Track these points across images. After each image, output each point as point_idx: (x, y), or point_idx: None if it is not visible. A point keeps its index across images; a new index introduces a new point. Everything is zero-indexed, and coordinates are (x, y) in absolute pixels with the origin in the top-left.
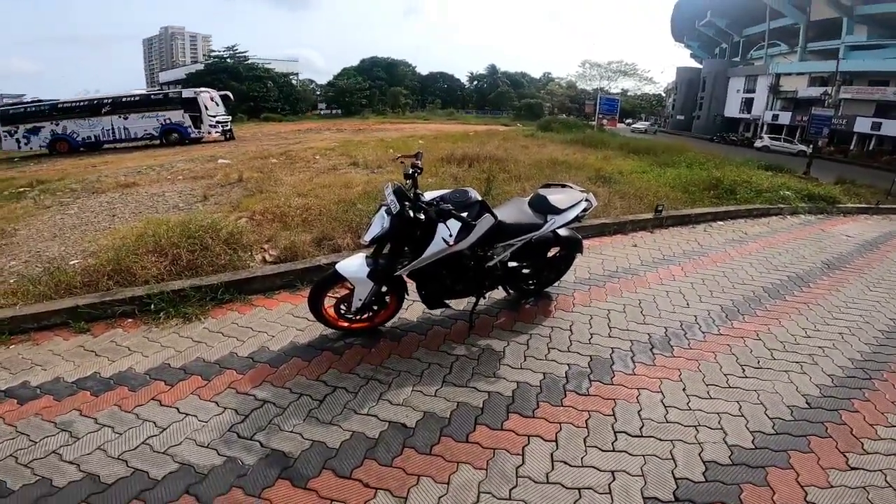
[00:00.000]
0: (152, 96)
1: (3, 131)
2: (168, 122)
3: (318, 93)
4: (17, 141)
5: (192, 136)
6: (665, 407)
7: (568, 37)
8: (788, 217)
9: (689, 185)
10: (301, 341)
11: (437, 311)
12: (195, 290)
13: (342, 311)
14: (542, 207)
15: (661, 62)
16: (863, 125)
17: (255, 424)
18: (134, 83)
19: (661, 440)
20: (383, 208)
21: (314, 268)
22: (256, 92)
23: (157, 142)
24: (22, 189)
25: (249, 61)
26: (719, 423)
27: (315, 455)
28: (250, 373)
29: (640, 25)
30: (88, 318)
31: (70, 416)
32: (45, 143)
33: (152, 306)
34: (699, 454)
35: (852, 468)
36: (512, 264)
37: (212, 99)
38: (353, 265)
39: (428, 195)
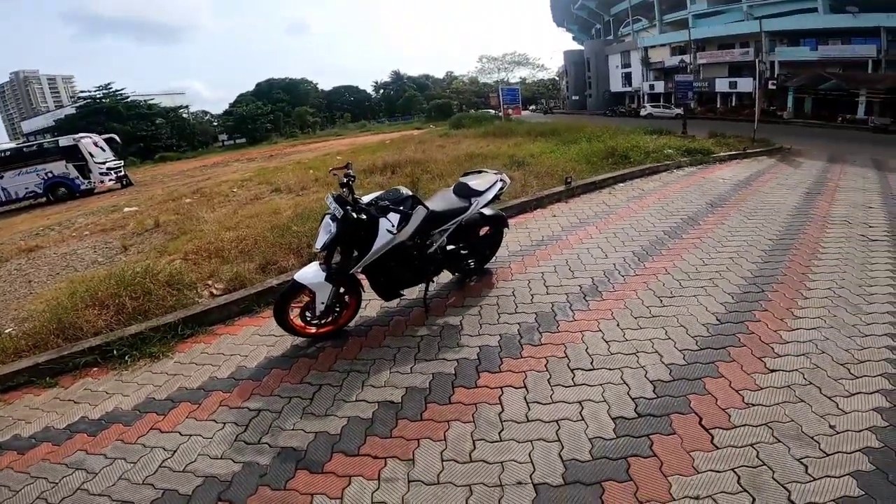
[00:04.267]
0: (24, 149)
1: None
2: (50, 175)
3: (214, 123)
4: None
5: (83, 187)
6: (606, 342)
7: (463, 32)
8: (675, 171)
9: (591, 157)
10: (275, 354)
11: (394, 303)
12: (153, 331)
13: (308, 318)
14: (465, 192)
15: (550, 49)
16: (722, 85)
17: (258, 430)
18: None
19: (611, 370)
20: (327, 216)
21: (267, 290)
22: (144, 131)
23: (44, 199)
24: None
25: (129, 99)
26: (653, 347)
27: (322, 443)
28: (236, 390)
29: (525, 15)
30: (51, 373)
31: (77, 456)
32: None
33: (115, 352)
34: (645, 376)
35: (771, 370)
36: (450, 248)
37: (96, 144)
38: (310, 273)
39: (365, 198)
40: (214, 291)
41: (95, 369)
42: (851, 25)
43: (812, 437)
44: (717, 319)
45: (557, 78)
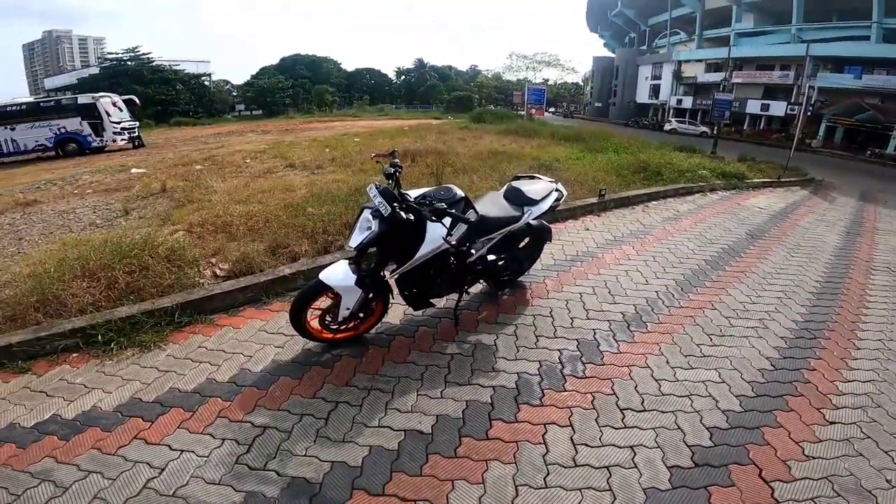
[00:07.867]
0: (41, 104)
1: None
2: (63, 131)
3: (234, 93)
4: None
5: (93, 144)
6: (656, 381)
7: (494, 27)
8: (708, 194)
9: (621, 169)
10: (284, 358)
11: (420, 312)
12: (147, 316)
13: (326, 322)
14: (518, 199)
15: (579, 53)
16: (753, 107)
17: (264, 453)
18: (13, 92)
19: (663, 412)
20: (367, 211)
21: (279, 279)
22: (164, 95)
23: (52, 153)
24: None
25: (154, 63)
26: (706, 390)
27: (339, 477)
28: (238, 398)
29: (559, 18)
30: (24, 356)
31: (45, 463)
32: None
33: (100, 336)
34: (700, 422)
35: (830, 423)
36: (490, 257)
37: (114, 104)
38: (339, 273)
39: (412, 193)
40: (219, 272)
41: (75, 355)
42: None
43: (870, 492)
44: (772, 365)
45: (582, 83)
